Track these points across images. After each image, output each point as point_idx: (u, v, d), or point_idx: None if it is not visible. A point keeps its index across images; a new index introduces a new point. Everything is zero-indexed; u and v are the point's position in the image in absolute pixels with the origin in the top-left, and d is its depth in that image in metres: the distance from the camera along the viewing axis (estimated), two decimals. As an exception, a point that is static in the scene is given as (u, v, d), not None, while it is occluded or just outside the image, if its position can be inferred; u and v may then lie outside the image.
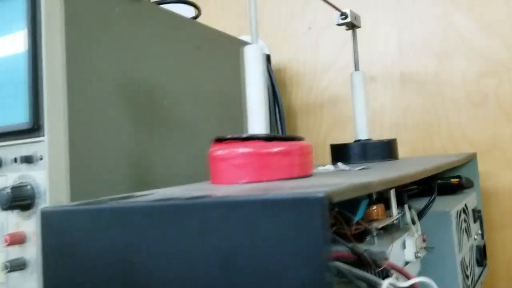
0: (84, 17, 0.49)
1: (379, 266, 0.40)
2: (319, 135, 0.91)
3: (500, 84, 0.78)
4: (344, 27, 0.66)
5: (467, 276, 0.57)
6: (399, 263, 0.48)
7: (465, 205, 0.61)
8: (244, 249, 0.27)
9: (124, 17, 0.54)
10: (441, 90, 0.82)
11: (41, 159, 0.46)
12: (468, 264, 0.59)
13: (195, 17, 0.75)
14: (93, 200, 0.37)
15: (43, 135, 0.46)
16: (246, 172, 0.38)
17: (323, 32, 0.91)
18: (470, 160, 0.70)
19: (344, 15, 0.62)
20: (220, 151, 0.40)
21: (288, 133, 0.93)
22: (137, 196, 0.37)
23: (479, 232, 0.67)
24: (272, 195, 0.26)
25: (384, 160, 0.63)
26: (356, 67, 0.66)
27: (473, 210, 0.65)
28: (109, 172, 0.51)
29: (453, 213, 0.55)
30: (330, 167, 0.54)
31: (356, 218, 0.43)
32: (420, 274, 0.52)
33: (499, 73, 0.78)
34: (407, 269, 0.49)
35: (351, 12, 0.63)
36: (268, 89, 0.88)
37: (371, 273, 0.39)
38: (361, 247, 0.42)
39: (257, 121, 0.42)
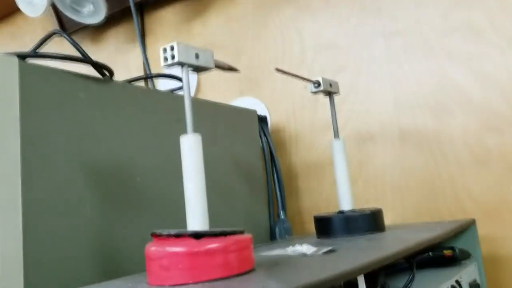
0: (43, 107, 0.50)
1: None
2: (321, 197, 0.88)
3: (503, 139, 0.73)
4: (321, 94, 0.64)
5: None
6: None
7: (457, 281, 0.57)
8: None
9: (91, 100, 0.55)
10: (442, 147, 0.78)
11: (-5, 251, 0.46)
12: None
13: (178, 88, 0.75)
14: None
15: (-4, 227, 0.46)
16: (172, 274, 0.37)
17: (320, 92, 0.89)
18: (469, 227, 0.65)
19: (316, 83, 0.61)
20: (153, 247, 0.39)
21: (288, 195, 0.90)
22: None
23: (481, 307, 0.62)
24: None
25: (368, 232, 0.60)
26: (336, 135, 0.64)
27: (471, 285, 0.60)
28: (70, 260, 0.50)
29: (434, 295, 0.50)
30: (298, 248, 0.51)
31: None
32: None
33: (501, 127, 0.73)
34: None
35: (324, 79, 0.62)
36: (265, 151, 0.86)
37: None
38: None
39: (195, 216, 0.40)
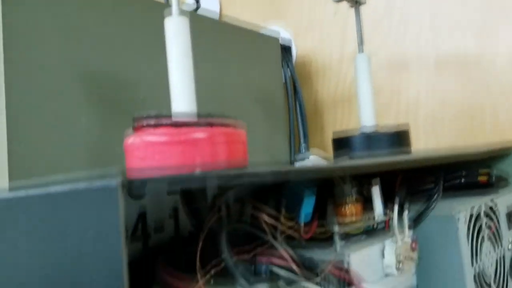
0: (28, 7, 0.46)
1: (315, 274, 0.32)
2: (348, 131, 0.82)
3: (555, 63, 0.64)
4: (345, 3, 0.57)
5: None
6: (377, 275, 0.39)
7: (490, 207, 0.50)
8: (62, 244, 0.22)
9: (88, 5, 0.51)
10: (484, 74, 0.70)
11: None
12: (494, 279, 0.48)
13: (195, 10, 0.70)
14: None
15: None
16: (148, 164, 0.33)
17: (350, 18, 0.82)
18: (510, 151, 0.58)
19: (338, -11, 0.54)
20: (131, 138, 0.35)
21: (313, 130, 0.85)
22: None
23: (519, 238, 0.55)
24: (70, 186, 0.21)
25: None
26: (360, 49, 0.57)
27: (509, 214, 0.53)
28: (63, 169, 0.47)
29: (462, 216, 0.44)
30: (307, 161, 0.47)
31: (302, 220, 0.36)
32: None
33: (553, 49, 0.64)
34: (387, 282, 0.40)
35: (347, -16, 0.55)
36: (288, 83, 0.81)
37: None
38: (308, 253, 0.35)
39: (179, 102, 0.36)
